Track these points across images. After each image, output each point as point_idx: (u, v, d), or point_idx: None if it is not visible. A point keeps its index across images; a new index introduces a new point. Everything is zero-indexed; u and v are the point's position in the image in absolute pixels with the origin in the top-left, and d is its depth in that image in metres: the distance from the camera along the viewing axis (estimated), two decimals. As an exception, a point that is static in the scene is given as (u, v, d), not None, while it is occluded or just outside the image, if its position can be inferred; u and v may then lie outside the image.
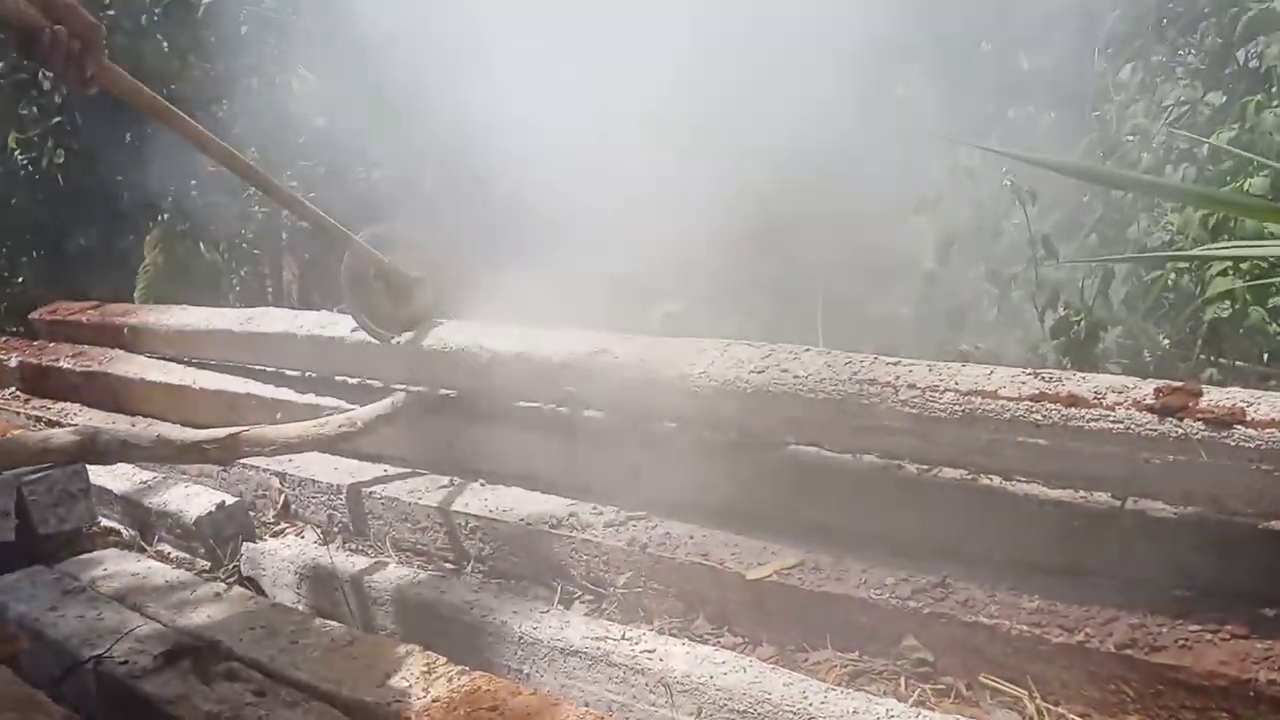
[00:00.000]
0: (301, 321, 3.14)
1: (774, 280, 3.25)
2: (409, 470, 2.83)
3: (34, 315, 4.57)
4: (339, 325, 3.00)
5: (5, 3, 1.79)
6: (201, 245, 5.08)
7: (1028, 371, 1.85)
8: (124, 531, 2.84)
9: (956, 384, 1.86)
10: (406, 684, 1.65)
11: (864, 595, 1.89)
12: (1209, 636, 1.63)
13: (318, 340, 3.03)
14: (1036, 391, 1.78)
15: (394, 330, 2.78)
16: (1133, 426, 1.68)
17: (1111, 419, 1.70)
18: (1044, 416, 1.75)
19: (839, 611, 1.91)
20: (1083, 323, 2.32)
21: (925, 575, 1.90)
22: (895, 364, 1.98)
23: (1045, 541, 1.90)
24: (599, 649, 1.77)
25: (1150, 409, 1.67)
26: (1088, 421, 1.72)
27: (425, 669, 1.69)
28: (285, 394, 3.18)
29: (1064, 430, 1.73)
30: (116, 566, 2.33)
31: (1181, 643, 1.62)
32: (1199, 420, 1.62)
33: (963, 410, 1.83)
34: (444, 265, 2.87)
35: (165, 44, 4.67)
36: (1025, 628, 1.73)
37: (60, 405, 3.96)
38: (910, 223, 3.00)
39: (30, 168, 5.08)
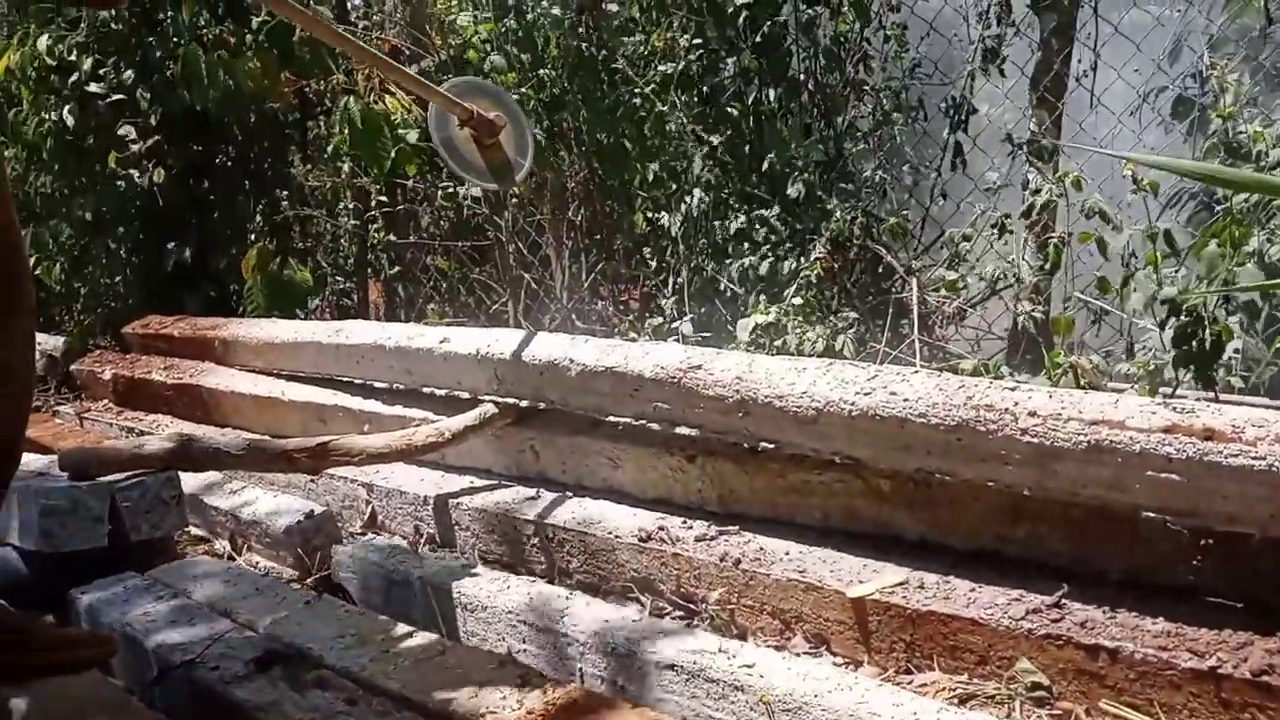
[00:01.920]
0: (389, 333, 3.14)
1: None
2: (495, 482, 2.81)
3: (127, 329, 4.66)
4: (426, 337, 2.99)
5: None
6: (292, 262, 5.14)
7: (1158, 400, 1.74)
8: (213, 539, 2.86)
9: (1080, 412, 1.75)
10: (500, 696, 1.61)
11: (973, 615, 1.80)
12: (1354, 664, 1.52)
13: (405, 351, 3.02)
14: (1168, 423, 1.66)
15: (485, 177, 2.78)
16: (1276, 464, 1.55)
17: (1253, 455, 1.57)
18: (1177, 450, 1.63)
19: (946, 632, 1.83)
20: (1206, 333, 2.21)
21: (1038, 594, 1.81)
22: (1013, 389, 1.88)
23: (1167, 561, 1.79)
24: (695, 663, 1.70)
25: (1295, 446, 1.56)
26: (1226, 458, 1.60)
27: (519, 681, 1.64)
28: (373, 405, 3.18)
29: (1199, 466, 1.62)
30: (207, 573, 2.33)
31: (1324, 671, 1.51)
32: (1349, 459, 1.51)
33: (1088, 441, 1.72)
34: (513, 108, 2.85)
35: (258, 65, 4.73)
36: (1151, 651, 1.62)
37: (152, 417, 4.02)
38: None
39: (127, 187, 5.18)
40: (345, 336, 3.28)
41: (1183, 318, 2.26)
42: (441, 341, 2.89)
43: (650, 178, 4.34)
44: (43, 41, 4.94)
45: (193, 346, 4.14)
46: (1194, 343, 2.24)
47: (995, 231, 3.23)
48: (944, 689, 1.77)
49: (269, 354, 3.67)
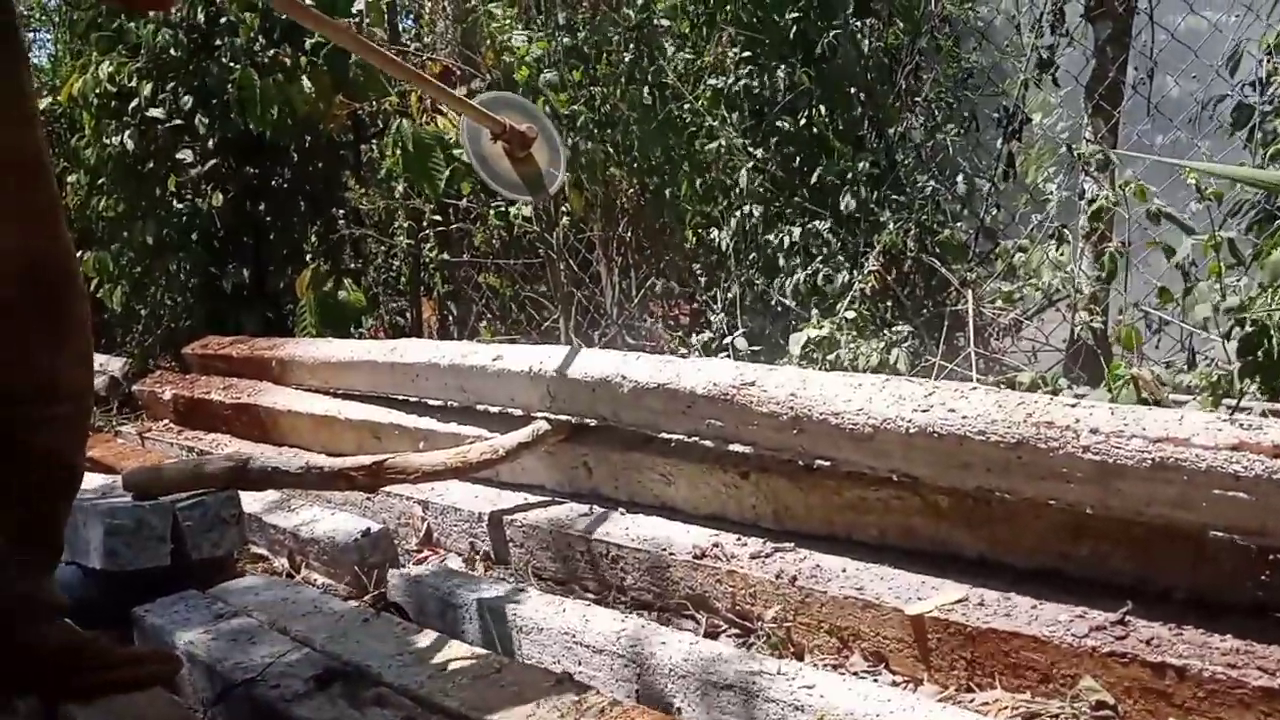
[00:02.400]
0: (443, 351, 3.16)
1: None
2: (549, 498, 2.82)
3: (186, 350, 4.74)
4: (479, 354, 3.01)
5: None
6: (346, 283, 5.21)
7: (1223, 416, 1.71)
8: (272, 557, 2.89)
9: (1144, 429, 1.72)
10: (558, 714, 1.60)
11: (1035, 632, 1.77)
12: None
13: (459, 369, 3.04)
14: (1235, 440, 1.62)
15: (520, 190, 2.81)
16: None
17: (1325, 473, 1.54)
18: (1245, 469, 1.59)
19: (1008, 649, 1.80)
20: (1272, 343, 2.16)
21: (1101, 612, 1.78)
22: (1074, 405, 1.85)
23: (1235, 579, 1.75)
24: (755, 684, 1.69)
25: (1371, 463, 1.51)
26: (1295, 476, 1.56)
27: (576, 699, 1.64)
28: (428, 423, 3.20)
29: (1268, 484, 1.58)
30: (266, 591, 2.36)
31: (1402, 690, 1.47)
32: None
33: (1152, 459, 1.69)
34: (544, 121, 2.87)
35: (312, 88, 4.80)
36: (1219, 669, 1.59)
37: (212, 436, 4.08)
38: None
39: (186, 210, 5.28)
40: (400, 355, 3.31)
41: (1247, 328, 2.22)
42: (495, 359, 2.91)
43: (701, 192, 4.34)
44: (104, 68, 5.06)
45: (250, 366, 4.20)
46: (1259, 353, 2.19)
47: (1052, 242, 3.19)
48: (1006, 708, 1.74)
49: (324, 373, 3.71)
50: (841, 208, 3.78)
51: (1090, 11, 3.64)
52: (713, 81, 4.26)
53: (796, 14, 4.01)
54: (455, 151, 4.33)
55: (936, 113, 4.16)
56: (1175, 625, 1.71)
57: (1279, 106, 3.27)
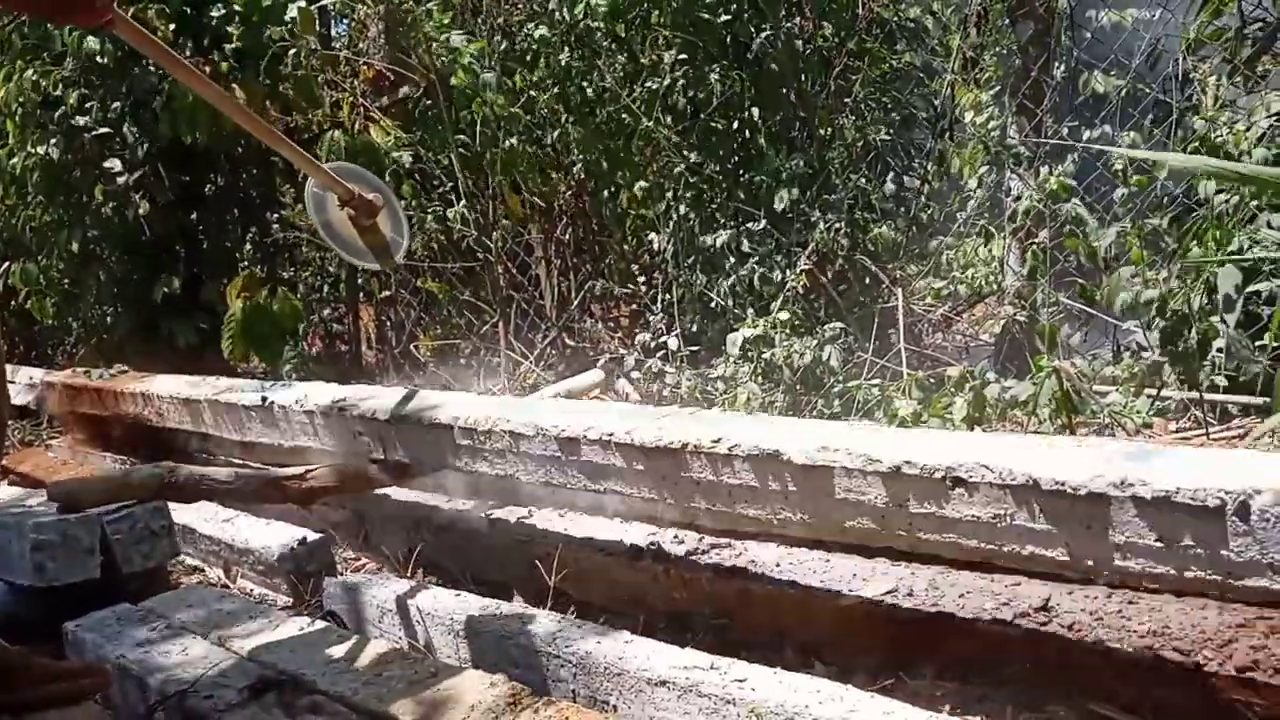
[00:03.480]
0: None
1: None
2: (487, 504, 2.81)
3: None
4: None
5: None
6: (281, 291, 5.14)
7: None
8: (206, 568, 2.86)
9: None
10: (492, 716, 1.61)
11: (963, 619, 1.81)
12: (1340, 659, 1.52)
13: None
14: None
15: (367, 257, 2.84)
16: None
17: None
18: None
19: (937, 637, 1.83)
20: (1192, 331, 2.22)
21: (1026, 598, 1.82)
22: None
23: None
24: (688, 679, 1.70)
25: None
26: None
27: (510, 700, 1.64)
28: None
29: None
30: (200, 602, 2.33)
31: (1309, 665, 1.52)
32: None
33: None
34: (387, 190, 2.89)
35: (242, 97, 4.74)
36: (1137, 651, 1.63)
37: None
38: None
39: (115, 219, 5.18)
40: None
41: (1168, 318, 2.27)
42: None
43: (638, 194, 4.36)
44: (29, 76, 4.95)
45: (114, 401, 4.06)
46: (1180, 343, 2.25)
47: (980, 239, 3.24)
48: (935, 695, 1.77)
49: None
50: (776, 207, 3.81)
51: (1013, 12, 3.71)
52: (649, 84, 4.27)
53: (728, 17, 4.04)
54: (396, 155, 4.31)
55: (867, 113, 4.21)
56: (1096, 609, 1.74)
57: (1197, 103, 3.35)
